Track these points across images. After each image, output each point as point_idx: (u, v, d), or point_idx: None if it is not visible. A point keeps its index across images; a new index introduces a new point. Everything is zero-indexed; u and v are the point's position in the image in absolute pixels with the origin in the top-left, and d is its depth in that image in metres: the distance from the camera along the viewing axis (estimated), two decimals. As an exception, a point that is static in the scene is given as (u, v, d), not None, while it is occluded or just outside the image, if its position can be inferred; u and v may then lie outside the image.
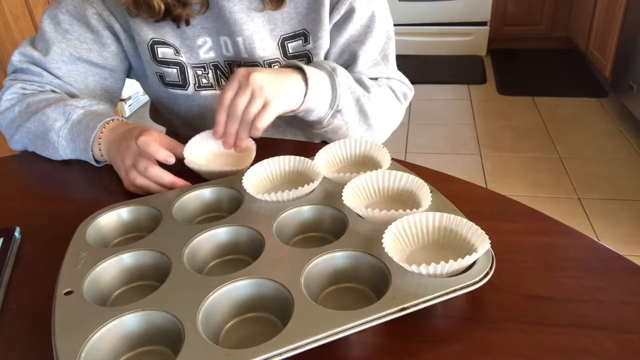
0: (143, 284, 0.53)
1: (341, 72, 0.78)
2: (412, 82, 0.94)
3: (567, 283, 0.52)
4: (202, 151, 0.72)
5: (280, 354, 0.41)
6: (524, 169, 2.23)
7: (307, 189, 0.59)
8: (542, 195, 2.04)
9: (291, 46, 0.83)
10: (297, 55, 0.84)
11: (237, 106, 0.68)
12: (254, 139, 0.72)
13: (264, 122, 0.68)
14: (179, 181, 0.66)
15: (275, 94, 0.68)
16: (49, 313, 0.47)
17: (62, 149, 0.76)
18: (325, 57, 0.86)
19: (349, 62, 0.87)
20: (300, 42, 0.83)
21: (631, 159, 2.26)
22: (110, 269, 0.53)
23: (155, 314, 0.46)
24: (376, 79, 0.88)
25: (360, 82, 0.83)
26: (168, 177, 0.66)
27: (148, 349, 0.45)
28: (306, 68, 0.74)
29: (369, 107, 0.82)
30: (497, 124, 2.63)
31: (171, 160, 0.66)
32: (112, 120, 0.75)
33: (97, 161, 0.76)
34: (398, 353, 0.44)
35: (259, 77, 0.67)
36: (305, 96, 0.73)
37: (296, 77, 0.73)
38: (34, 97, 0.80)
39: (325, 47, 0.84)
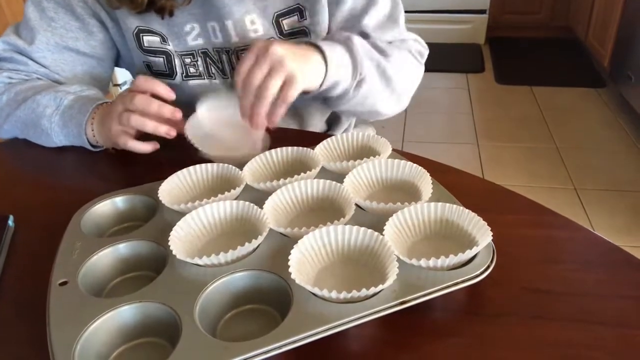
0: (139, 274, 0.52)
1: (356, 39, 0.73)
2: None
3: (567, 276, 0.51)
4: (206, 124, 0.69)
5: (280, 347, 0.41)
6: (520, 158, 2.23)
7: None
8: (538, 185, 2.05)
9: (286, 23, 0.79)
10: (294, 32, 0.80)
11: (254, 79, 0.62)
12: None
13: (289, 99, 0.62)
14: (168, 108, 0.66)
15: (298, 69, 0.63)
16: (43, 303, 0.46)
17: (56, 135, 0.75)
18: (327, 34, 0.81)
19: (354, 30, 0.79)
20: (295, 18, 0.79)
21: (628, 149, 2.26)
22: (106, 259, 0.52)
23: (152, 305, 0.45)
24: (389, 42, 0.82)
25: (375, 47, 0.77)
26: (155, 104, 0.66)
27: (145, 341, 0.45)
28: (319, 42, 0.69)
29: (390, 71, 0.77)
30: (495, 113, 2.62)
31: (172, 133, 0.67)
32: (104, 103, 0.74)
33: (92, 145, 0.75)
34: (397, 346, 0.44)
35: (279, 50, 0.62)
36: (326, 70, 0.68)
37: (312, 51, 0.68)
38: (22, 85, 0.78)
39: (325, 23, 0.80)
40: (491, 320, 0.46)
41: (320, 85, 0.69)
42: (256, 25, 0.78)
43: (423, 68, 0.85)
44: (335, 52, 0.70)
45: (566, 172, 2.12)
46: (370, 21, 0.80)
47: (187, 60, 0.81)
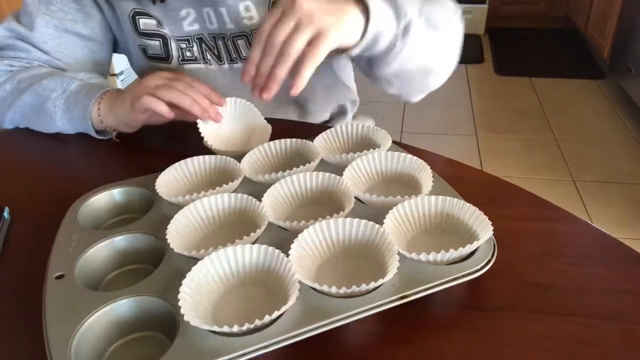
0: (136, 268, 0.52)
1: None
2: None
3: (568, 271, 0.51)
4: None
5: (279, 341, 0.40)
6: (519, 150, 2.22)
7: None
8: (536, 177, 2.04)
9: None
10: None
11: (277, 35, 0.54)
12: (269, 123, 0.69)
13: (319, 56, 0.53)
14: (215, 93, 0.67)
15: (330, 22, 0.54)
16: (39, 297, 0.45)
17: (59, 118, 0.74)
18: None
19: None
20: None
21: (626, 141, 2.26)
22: (103, 251, 0.51)
23: (149, 299, 0.45)
24: None
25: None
26: (201, 90, 0.65)
27: (142, 335, 0.44)
28: None
29: (436, 17, 0.67)
30: (494, 105, 2.61)
31: (223, 102, 0.67)
32: (112, 90, 0.73)
33: (97, 131, 0.74)
34: (397, 340, 0.44)
35: (308, 3, 0.54)
36: (367, 20, 0.58)
37: (347, 1, 0.58)
38: (24, 73, 0.77)
39: None
40: (491, 315, 0.46)
41: (362, 38, 0.59)
42: (251, 12, 0.77)
43: (463, 25, 0.74)
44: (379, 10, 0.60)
45: (565, 164, 2.12)
46: None
47: (183, 46, 0.81)
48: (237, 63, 0.82)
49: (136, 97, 0.65)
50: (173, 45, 0.80)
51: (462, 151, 2.23)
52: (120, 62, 2.29)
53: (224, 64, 0.82)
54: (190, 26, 0.79)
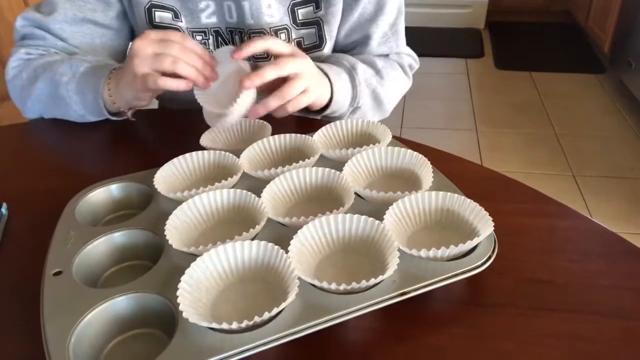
0: (135, 264, 0.52)
1: (360, 68, 0.79)
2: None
3: (569, 267, 0.51)
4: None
5: (279, 338, 0.40)
6: (519, 145, 2.22)
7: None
8: (536, 171, 2.04)
9: (301, 12, 0.80)
10: (308, 22, 0.81)
11: (281, 69, 0.65)
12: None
13: (300, 106, 0.67)
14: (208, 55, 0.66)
15: (316, 84, 0.69)
16: (37, 294, 0.45)
17: (74, 103, 0.73)
18: (337, 36, 0.84)
19: (360, 41, 0.85)
20: (311, 8, 0.80)
21: (627, 136, 2.25)
22: (101, 248, 0.51)
23: (148, 296, 0.44)
24: (387, 55, 0.87)
25: (373, 67, 0.82)
26: (194, 54, 0.65)
27: (140, 332, 0.44)
28: (329, 72, 0.74)
29: (383, 95, 0.83)
30: (494, 99, 2.60)
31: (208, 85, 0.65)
32: (117, 67, 0.72)
33: (111, 113, 0.73)
34: (396, 337, 0.44)
35: (310, 64, 0.69)
36: (331, 100, 0.75)
37: (324, 77, 0.74)
38: (39, 60, 0.77)
39: (338, 16, 0.81)
40: (491, 311, 0.46)
41: (323, 109, 0.76)
42: (272, 9, 0.78)
43: (411, 82, 0.91)
44: (340, 80, 0.76)
45: (565, 159, 2.11)
46: (376, 29, 0.83)
47: (198, 38, 0.80)
48: (250, 61, 0.82)
49: (143, 75, 0.64)
50: None
51: (462, 146, 2.23)
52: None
53: None
54: (208, 18, 0.79)
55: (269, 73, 0.64)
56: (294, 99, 0.66)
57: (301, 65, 0.66)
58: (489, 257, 0.47)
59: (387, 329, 0.44)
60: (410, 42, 0.91)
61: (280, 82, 0.65)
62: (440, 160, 0.60)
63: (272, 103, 0.65)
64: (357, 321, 0.43)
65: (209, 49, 0.81)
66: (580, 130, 2.31)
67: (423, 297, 0.45)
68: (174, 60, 0.63)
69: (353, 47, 0.87)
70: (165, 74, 0.64)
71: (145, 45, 0.65)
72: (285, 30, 0.80)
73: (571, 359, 0.41)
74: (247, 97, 0.64)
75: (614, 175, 2.00)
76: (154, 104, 0.96)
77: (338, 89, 0.75)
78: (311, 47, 0.83)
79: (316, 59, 0.82)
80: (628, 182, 1.97)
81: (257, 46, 0.65)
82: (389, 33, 0.85)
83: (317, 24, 0.81)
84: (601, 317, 0.45)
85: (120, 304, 0.44)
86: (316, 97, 0.70)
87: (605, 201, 1.87)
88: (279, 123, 0.70)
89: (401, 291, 0.43)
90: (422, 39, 3.22)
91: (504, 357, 0.42)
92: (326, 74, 0.74)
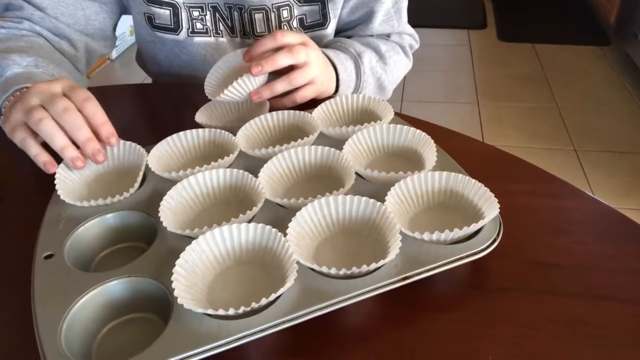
0: (129, 246, 0.50)
1: (366, 57, 0.77)
2: (410, 25, 0.90)
3: (575, 249, 0.49)
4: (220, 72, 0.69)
5: (278, 324, 0.39)
6: (521, 119, 2.19)
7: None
8: (537, 146, 2.02)
9: None
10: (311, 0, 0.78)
11: (283, 59, 0.63)
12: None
13: (307, 97, 0.67)
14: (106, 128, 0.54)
15: (323, 75, 0.69)
16: (28, 278, 0.44)
17: None
18: (340, 13, 0.81)
19: (363, 18, 0.82)
20: None
21: (630, 110, 2.22)
22: (93, 230, 0.49)
23: (142, 280, 0.43)
24: (388, 35, 0.85)
25: (377, 52, 0.80)
26: (84, 130, 0.52)
27: (135, 317, 0.43)
28: (336, 62, 0.73)
29: (387, 81, 0.82)
30: (496, 72, 2.56)
31: (113, 141, 0.54)
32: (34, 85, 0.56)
33: None
34: (398, 322, 0.42)
35: (317, 54, 0.67)
36: (336, 91, 0.74)
37: (331, 67, 0.72)
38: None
39: None
40: (494, 295, 0.45)
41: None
42: None
43: (411, 63, 0.90)
44: (346, 72, 0.74)
45: (566, 133, 2.09)
46: (380, 7, 0.80)
47: (195, 14, 0.76)
48: (249, 39, 0.79)
49: (12, 128, 0.55)
50: (184, 15, 0.76)
51: (463, 119, 2.20)
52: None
53: (237, 36, 0.79)
54: None
55: (282, 60, 0.62)
56: (301, 89, 0.66)
57: (312, 55, 0.65)
58: (494, 241, 0.45)
59: (388, 314, 0.43)
60: (411, 13, 0.88)
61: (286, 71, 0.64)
62: (442, 137, 0.58)
63: (279, 87, 0.64)
64: (358, 306, 0.42)
65: (205, 25, 0.78)
66: (583, 103, 2.28)
67: (425, 282, 0.43)
68: (41, 119, 0.52)
69: (355, 25, 0.84)
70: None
71: (36, 92, 0.54)
72: (287, 7, 0.77)
73: (576, 344, 0.40)
74: (256, 79, 0.62)
75: (616, 150, 1.98)
76: (149, 79, 0.94)
77: (344, 81, 0.74)
78: (314, 26, 0.79)
79: (320, 40, 0.79)
80: (630, 156, 1.95)
81: (267, 45, 0.63)
82: (392, 11, 0.83)
83: (321, 0, 0.77)
84: (607, 301, 0.44)
85: (113, 288, 0.43)
86: (324, 89, 0.70)
87: (607, 176, 1.85)
88: (277, 98, 0.67)
89: (403, 275, 0.42)
90: (424, 10, 3.15)
91: (508, 342, 0.41)
92: (333, 64, 0.72)
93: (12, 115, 0.55)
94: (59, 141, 0.52)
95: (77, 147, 0.53)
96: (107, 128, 0.54)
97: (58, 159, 0.53)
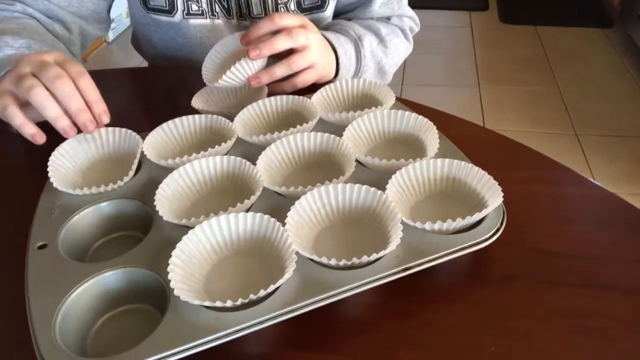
0: (124, 235, 0.49)
1: (367, 40, 0.75)
2: (410, 7, 0.88)
3: (579, 238, 0.48)
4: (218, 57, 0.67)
5: (275, 316, 0.38)
6: (522, 102, 2.17)
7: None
8: (539, 130, 2.00)
9: None
10: None
11: (281, 43, 0.61)
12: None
13: (308, 81, 0.65)
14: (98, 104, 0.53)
15: (324, 59, 0.67)
16: (21, 269, 0.43)
17: None
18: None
19: (363, 0, 0.80)
20: None
21: (632, 93, 2.20)
22: (88, 219, 0.48)
23: (138, 270, 0.42)
24: (388, 18, 0.82)
25: (378, 35, 0.78)
26: (77, 98, 0.51)
27: (131, 308, 0.42)
28: (336, 45, 0.71)
29: (387, 65, 0.80)
30: (498, 55, 2.53)
31: (105, 119, 0.53)
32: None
33: None
34: (396, 313, 0.42)
35: (316, 37, 0.65)
36: (336, 75, 0.72)
37: (331, 51, 0.70)
38: None
39: None
40: (497, 286, 0.44)
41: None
42: None
43: (412, 47, 0.88)
44: (346, 55, 0.72)
45: (568, 117, 2.07)
46: None
47: None
48: (246, 20, 0.77)
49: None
50: None
51: (464, 103, 2.17)
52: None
53: (233, 18, 0.77)
54: None
55: (281, 43, 0.60)
56: (301, 74, 0.64)
57: (312, 38, 0.63)
58: (497, 230, 0.44)
59: (388, 305, 0.42)
60: (412, -7, 0.86)
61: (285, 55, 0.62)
62: (444, 123, 0.56)
63: (278, 71, 0.62)
64: (358, 297, 0.41)
65: (201, 7, 0.76)
66: (585, 87, 2.25)
67: (426, 272, 0.42)
68: (31, 85, 0.50)
69: (354, 7, 0.81)
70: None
71: (28, 61, 0.53)
72: None
73: (578, 335, 0.40)
74: (255, 64, 0.60)
75: (618, 134, 1.96)
76: (145, 62, 0.92)
77: (344, 64, 0.72)
78: (312, 8, 0.77)
79: (318, 23, 0.77)
80: (632, 141, 1.93)
81: (264, 28, 0.61)
82: None
83: None
84: (611, 292, 0.43)
85: (109, 279, 0.42)
86: (325, 73, 0.68)
87: (608, 161, 1.84)
88: (275, 82, 0.66)
89: (404, 266, 0.41)
90: (424, -9, 3.10)
91: (510, 334, 0.40)
92: (333, 47, 0.71)
93: (1, 84, 0.53)
94: (52, 109, 0.51)
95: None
96: (100, 106, 0.53)
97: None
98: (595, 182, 0.56)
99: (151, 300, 0.42)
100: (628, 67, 2.38)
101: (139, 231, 0.47)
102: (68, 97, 0.51)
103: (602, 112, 2.09)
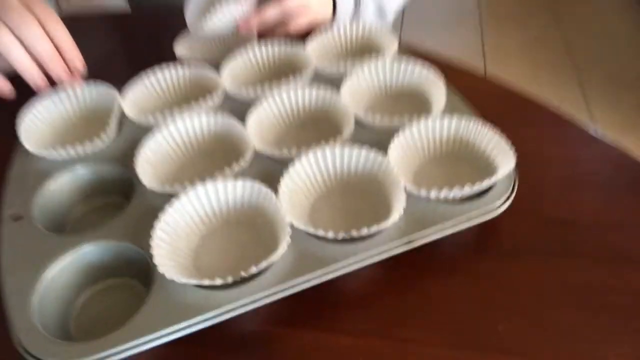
0: (105, 202, 0.45)
1: None
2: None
3: (593, 204, 0.45)
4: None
5: (270, 295, 0.35)
6: (525, 47, 2.08)
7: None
8: (541, 77, 1.93)
9: None
10: None
11: None
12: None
13: (301, 25, 0.60)
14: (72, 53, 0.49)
15: (318, 3, 0.62)
16: (-7, 240, 0.40)
17: None
18: None
19: None
20: None
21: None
22: (66, 185, 0.45)
23: (120, 244, 0.39)
24: None
25: None
26: (49, 46, 0.47)
27: (114, 282, 0.39)
28: None
29: (388, 6, 0.75)
30: (502, -5, 2.40)
31: (79, 65, 0.50)
32: None
33: None
34: (399, 287, 0.39)
35: None
36: (334, 14, 0.66)
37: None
38: None
39: None
40: (506, 258, 0.41)
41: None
42: None
43: None
44: (344, 2, 0.66)
45: (571, 63, 1.99)
46: None
47: None
48: None
49: None
50: None
51: (465, 47, 2.08)
52: None
53: None
54: None
55: (270, 12, 0.57)
56: (294, 18, 0.59)
57: None
58: (508, 198, 0.41)
59: (390, 279, 0.39)
60: None
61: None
62: (447, 74, 0.51)
63: (270, 12, 0.57)
64: (357, 271, 0.38)
65: None
66: (590, 31, 2.16)
67: (430, 243, 0.39)
68: (5, 36, 0.45)
69: None
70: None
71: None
72: None
73: (595, 312, 0.37)
74: (243, 5, 0.55)
75: (622, 82, 1.90)
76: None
77: (342, 3, 0.66)
78: None
79: None
80: (636, 89, 1.87)
81: None
82: None
83: None
84: (628, 264, 0.40)
85: (89, 252, 0.39)
86: (320, 16, 0.63)
87: (611, 109, 1.79)
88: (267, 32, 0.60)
89: (407, 239, 0.38)
90: None
91: (521, 310, 0.37)
92: None
93: None
94: (17, 53, 0.46)
95: None
96: (73, 52, 0.48)
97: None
98: (609, 143, 0.52)
99: (136, 274, 0.39)
100: (637, 9, 2.27)
101: (121, 197, 0.44)
102: (36, 41, 0.46)
103: (607, 59, 2.00)
